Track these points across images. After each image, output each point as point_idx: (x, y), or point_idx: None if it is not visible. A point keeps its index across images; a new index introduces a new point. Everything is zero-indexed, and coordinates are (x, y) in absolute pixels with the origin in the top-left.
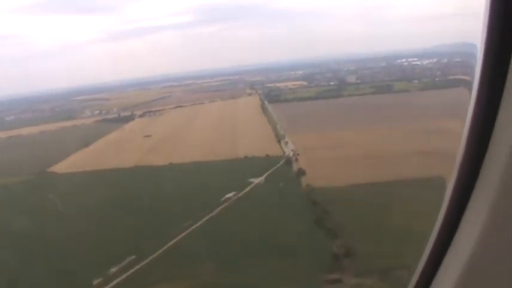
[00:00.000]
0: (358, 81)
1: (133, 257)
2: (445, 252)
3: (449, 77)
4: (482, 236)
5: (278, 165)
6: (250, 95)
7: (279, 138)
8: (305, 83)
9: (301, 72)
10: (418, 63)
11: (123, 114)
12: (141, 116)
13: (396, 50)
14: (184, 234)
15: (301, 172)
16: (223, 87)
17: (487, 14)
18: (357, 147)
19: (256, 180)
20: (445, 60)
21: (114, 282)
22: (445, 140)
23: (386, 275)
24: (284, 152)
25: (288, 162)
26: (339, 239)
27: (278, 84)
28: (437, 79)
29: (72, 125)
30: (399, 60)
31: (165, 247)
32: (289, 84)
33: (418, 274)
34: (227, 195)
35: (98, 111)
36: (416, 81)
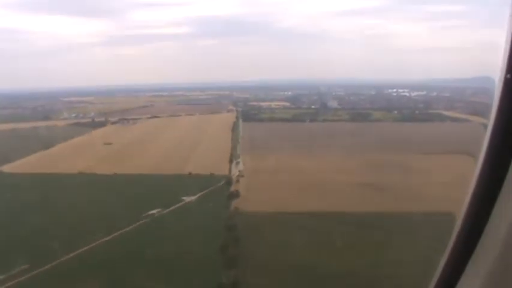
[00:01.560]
0: (339, 106)
1: (26, 266)
2: (468, 258)
3: (429, 111)
4: (503, 249)
5: (218, 185)
6: (229, 111)
7: (232, 158)
8: (288, 104)
9: (289, 93)
10: (407, 94)
11: (97, 119)
12: (114, 122)
13: (392, 79)
14: (87, 248)
15: (235, 194)
16: (208, 102)
17: (508, 47)
18: (304, 174)
19: (188, 199)
20: (434, 93)
21: None
22: (394, 175)
23: None
24: (230, 172)
25: (229, 183)
26: (235, 268)
27: (262, 103)
28: (417, 112)
29: (45, 125)
30: (390, 90)
31: (62, 259)
32: (273, 104)
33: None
34: (151, 212)
35: (74, 114)
36: (395, 112)
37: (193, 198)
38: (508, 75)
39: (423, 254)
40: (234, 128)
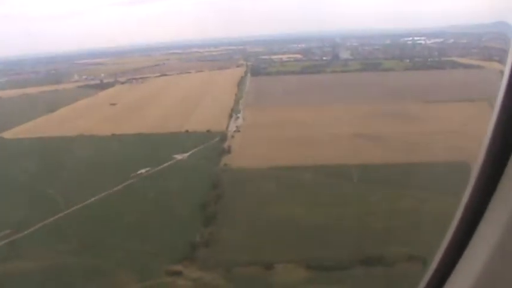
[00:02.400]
0: (351, 57)
1: (8, 230)
2: (461, 254)
3: (442, 58)
4: (501, 238)
5: (212, 141)
6: (238, 66)
7: (233, 113)
8: (300, 56)
9: (304, 45)
10: (422, 42)
11: (106, 80)
12: (122, 82)
13: (410, 28)
14: (68, 210)
15: (227, 150)
16: (221, 57)
17: None
18: (302, 127)
19: (179, 157)
20: (451, 40)
21: None
22: (392, 124)
23: (231, 271)
24: (227, 128)
25: (223, 139)
26: (211, 226)
27: (273, 57)
28: (429, 59)
29: (54, 89)
30: (406, 39)
31: (43, 223)
32: (285, 57)
33: (430, 274)
34: (140, 171)
35: (85, 77)
36: (407, 60)
37: (184, 155)
38: None
39: (403, 205)
40: (241, 82)
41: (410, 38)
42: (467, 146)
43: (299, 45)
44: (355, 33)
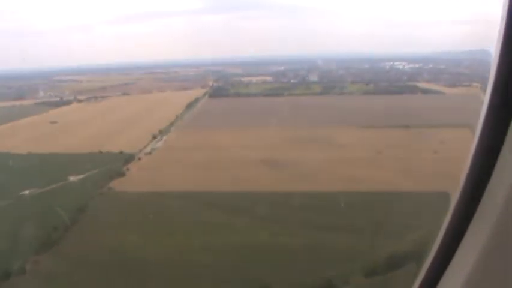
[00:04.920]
0: (317, 80)
1: None
2: (450, 260)
3: (408, 83)
4: (487, 244)
5: (116, 163)
6: (203, 87)
7: (158, 135)
8: (269, 79)
9: (282, 68)
10: (400, 67)
11: (66, 98)
12: (80, 101)
13: (396, 53)
14: None
15: (122, 173)
16: (193, 78)
17: (504, 20)
18: (217, 151)
19: (72, 178)
20: (430, 66)
21: None
22: (310, 150)
23: None
24: (141, 151)
25: (129, 161)
26: (42, 254)
27: (243, 78)
28: (394, 84)
29: (11, 105)
30: (386, 63)
31: None
32: (255, 79)
33: (421, 279)
34: (22, 192)
35: (50, 93)
36: (371, 85)
37: (79, 177)
38: (503, 49)
39: (249, 239)
40: (192, 104)
41: (391, 63)
42: (365, 174)
43: (279, 68)
44: (339, 56)
